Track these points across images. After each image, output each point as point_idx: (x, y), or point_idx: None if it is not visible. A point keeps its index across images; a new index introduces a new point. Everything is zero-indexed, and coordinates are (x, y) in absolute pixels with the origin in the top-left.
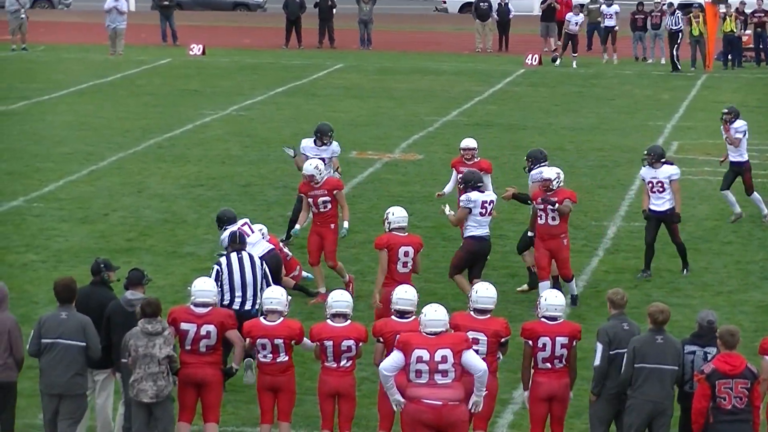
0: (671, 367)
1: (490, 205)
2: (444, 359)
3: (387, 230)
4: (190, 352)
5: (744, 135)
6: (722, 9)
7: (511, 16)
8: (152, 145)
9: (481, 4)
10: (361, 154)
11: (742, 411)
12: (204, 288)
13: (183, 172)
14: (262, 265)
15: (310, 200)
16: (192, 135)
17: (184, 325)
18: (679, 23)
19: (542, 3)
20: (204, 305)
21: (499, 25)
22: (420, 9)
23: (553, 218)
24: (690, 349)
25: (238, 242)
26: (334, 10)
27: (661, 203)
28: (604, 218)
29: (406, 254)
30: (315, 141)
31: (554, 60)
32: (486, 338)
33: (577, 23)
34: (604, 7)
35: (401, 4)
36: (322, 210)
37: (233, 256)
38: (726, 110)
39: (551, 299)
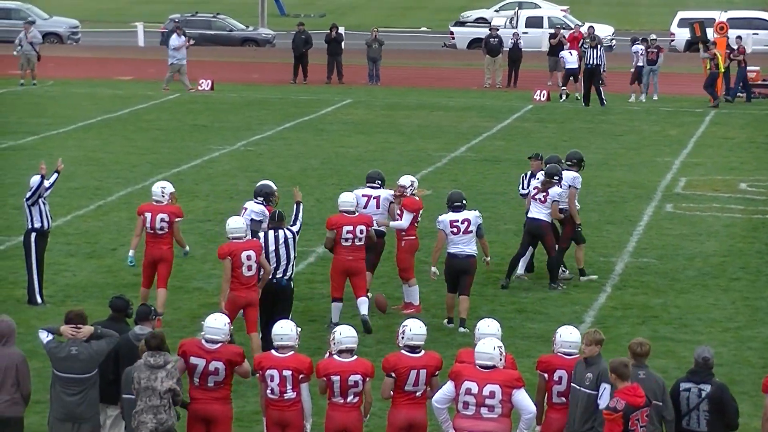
0: (654, 402)
1: (463, 224)
2: (492, 395)
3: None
4: (199, 387)
5: None
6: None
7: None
8: (160, 180)
9: (491, 39)
10: None
11: None
12: (215, 325)
13: (191, 207)
14: (294, 240)
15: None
16: (200, 170)
17: (193, 359)
18: (594, 59)
19: (551, 37)
20: (214, 342)
21: (511, 60)
22: (428, 45)
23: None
24: (685, 386)
25: (276, 220)
26: (343, 44)
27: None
28: (612, 254)
29: (248, 258)
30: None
31: (561, 97)
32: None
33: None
34: (635, 47)
35: (410, 40)
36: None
37: (270, 233)
38: None
39: (566, 336)
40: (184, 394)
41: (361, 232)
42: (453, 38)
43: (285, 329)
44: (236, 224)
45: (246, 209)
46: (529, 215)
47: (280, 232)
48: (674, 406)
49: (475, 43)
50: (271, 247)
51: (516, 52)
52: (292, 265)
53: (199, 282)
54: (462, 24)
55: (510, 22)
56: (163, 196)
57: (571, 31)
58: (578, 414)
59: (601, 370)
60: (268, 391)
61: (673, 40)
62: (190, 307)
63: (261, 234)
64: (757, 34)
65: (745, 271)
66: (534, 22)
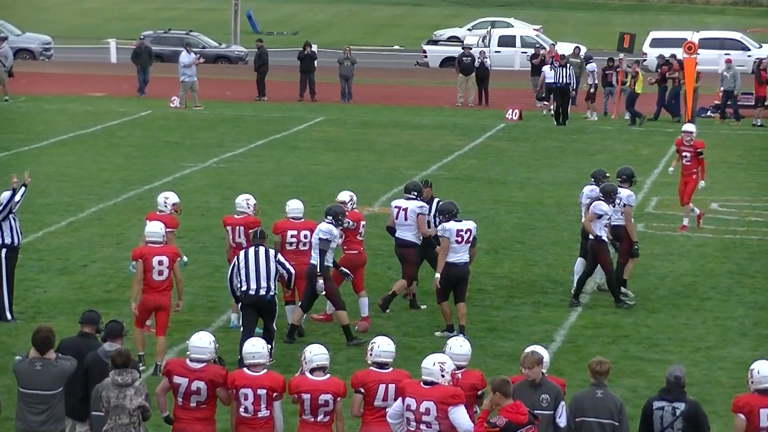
0: (609, 421)
1: (466, 233)
2: (427, 411)
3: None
4: (182, 407)
5: None
6: (626, 66)
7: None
8: (132, 196)
9: (465, 58)
10: None
11: None
12: (199, 344)
13: None
14: (276, 256)
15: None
16: (172, 187)
17: (176, 379)
18: (564, 78)
19: (533, 58)
20: (199, 361)
21: (478, 79)
22: (401, 63)
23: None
24: (658, 404)
25: (258, 238)
26: (316, 62)
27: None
28: None
29: (160, 263)
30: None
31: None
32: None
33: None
34: (589, 65)
35: (382, 58)
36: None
37: (251, 250)
38: None
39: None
40: (170, 410)
41: (305, 237)
42: (425, 57)
43: (256, 347)
44: (152, 229)
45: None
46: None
47: (261, 248)
48: (646, 425)
49: (447, 61)
50: (251, 263)
51: (483, 71)
52: (275, 280)
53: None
54: (435, 42)
55: (482, 41)
56: (165, 206)
57: (546, 50)
58: None
59: (557, 391)
60: (242, 410)
61: (645, 60)
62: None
63: (241, 253)
64: (729, 54)
65: (716, 291)
66: (506, 41)
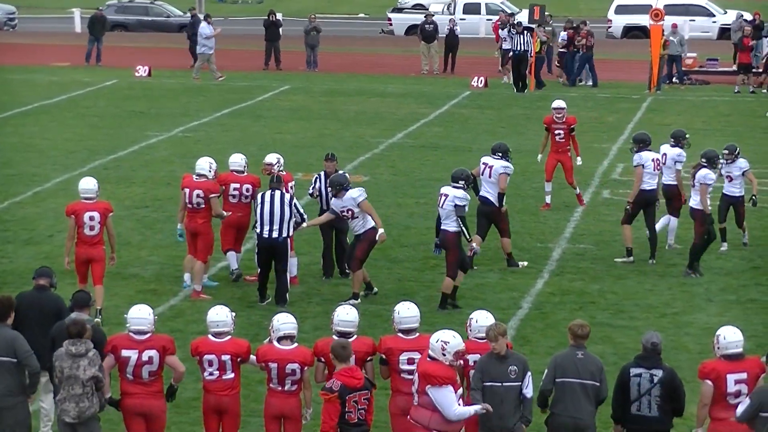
0: (591, 383)
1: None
2: (413, 381)
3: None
4: (133, 381)
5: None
6: (542, 34)
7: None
8: (97, 166)
9: (427, 26)
10: (307, 175)
11: (363, 422)
12: (139, 315)
13: (128, 194)
14: (291, 200)
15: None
16: (137, 156)
17: (125, 352)
18: (521, 45)
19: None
20: (141, 332)
21: (447, 47)
22: (366, 31)
23: None
24: (636, 371)
25: (275, 182)
26: (281, 30)
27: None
28: (549, 240)
29: (91, 219)
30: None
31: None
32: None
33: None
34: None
35: (347, 27)
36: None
37: (267, 193)
38: (726, 151)
39: (482, 320)
40: (114, 392)
41: (247, 190)
42: (390, 24)
43: (220, 316)
44: (86, 185)
45: (446, 196)
46: None
47: (277, 192)
48: (623, 392)
49: (412, 29)
50: (266, 207)
51: (452, 38)
52: (287, 223)
53: (135, 269)
54: (399, 10)
55: (447, 9)
56: (210, 171)
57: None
58: (506, 409)
59: (523, 362)
60: (206, 374)
61: (610, 27)
62: (127, 293)
63: (259, 195)
64: (694, 20)
65: (682, 257)
66: (472, 9)
